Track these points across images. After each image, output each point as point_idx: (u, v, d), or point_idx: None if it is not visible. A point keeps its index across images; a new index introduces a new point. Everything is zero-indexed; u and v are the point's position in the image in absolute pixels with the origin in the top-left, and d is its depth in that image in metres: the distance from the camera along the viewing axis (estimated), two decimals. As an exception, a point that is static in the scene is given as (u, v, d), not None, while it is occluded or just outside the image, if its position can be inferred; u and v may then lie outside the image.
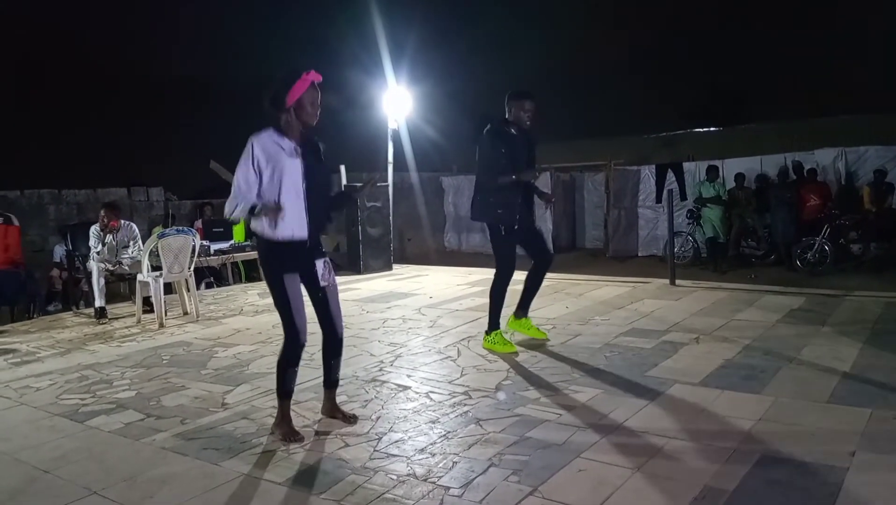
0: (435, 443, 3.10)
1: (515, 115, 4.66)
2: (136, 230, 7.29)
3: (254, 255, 8.34)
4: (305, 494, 2.65)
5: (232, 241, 8.58)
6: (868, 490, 2.47)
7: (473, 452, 2.97)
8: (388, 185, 10.35)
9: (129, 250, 7.04)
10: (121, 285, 8.09)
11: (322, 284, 3.26)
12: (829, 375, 3.83)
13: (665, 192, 11.53)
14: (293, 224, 3.11)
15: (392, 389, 3.95)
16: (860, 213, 9.83)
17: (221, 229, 8.66)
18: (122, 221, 7.12)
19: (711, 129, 17.59)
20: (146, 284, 6.44)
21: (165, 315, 6.29)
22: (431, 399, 3.73)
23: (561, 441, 3.04)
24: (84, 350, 5.38)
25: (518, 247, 4.76)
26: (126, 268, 6.93)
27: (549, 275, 5.01)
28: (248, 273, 9.65)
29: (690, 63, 37.70)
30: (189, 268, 6.73)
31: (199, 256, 7.06)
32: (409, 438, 3.18)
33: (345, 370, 4.26)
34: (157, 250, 6.44)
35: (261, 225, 3.12)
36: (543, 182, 11.99)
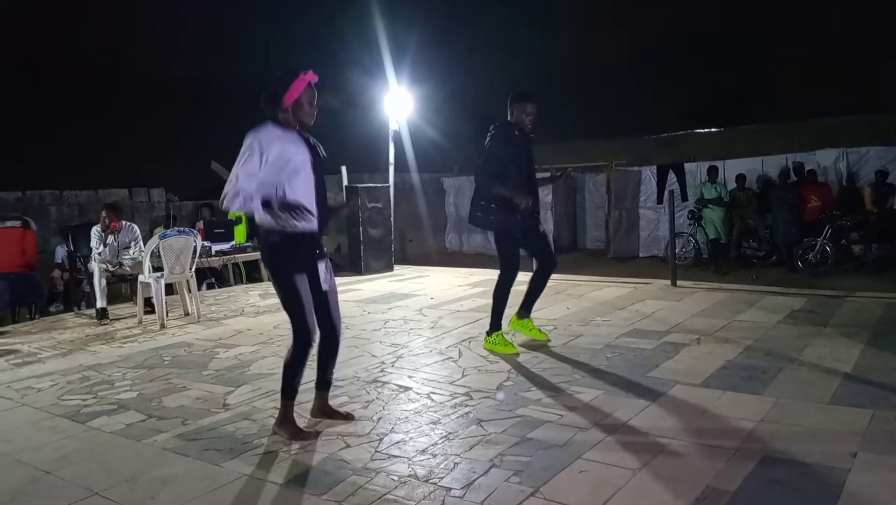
0: (436, 444, 3.10)
1: (517, 117, 4.66)
2: (138, 231, 7.29)
3: (255, 256, 8.36)
4: (307, 494, 2.65)
5: (233, 242, 8.59)
6: (869, 491, 2.47)
7: (475, 452, 2.97)
8: (389, 186, 10.35)
9: (131, 251, 7.05)
10: (122, 286, 8.09)
11: (324, 287, 3.26)
12: (830, 376, 3.83)
13: (666, 192, 11.54)
14: (307, 215, 3.06)
15: (393, 390, 3.95)
16: (861, 213, 9.83)
17: (223, 230, 8.67)
18: (124, 222, 7.12)
19: (712, 129, 17.56)
20: (147, 284, 6.44)
21: (167, 316, 6.29)
22: (433, 400, 3.73)
23: (562, 442, 3.04)
24: (85, 351, 5.38)
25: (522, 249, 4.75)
26: (127, 269, 6.95)
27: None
28: (250, 274, 9.65)
29: (690, 63, 37.78)
30: (190, 269, 6.74)
31: (200, 256, 7.08)
32: (411, 438, 3.18)
33: (346, 371, 4.28)
34: (159, 251, 6.45)
35: (275, 217, 3.00)
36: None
